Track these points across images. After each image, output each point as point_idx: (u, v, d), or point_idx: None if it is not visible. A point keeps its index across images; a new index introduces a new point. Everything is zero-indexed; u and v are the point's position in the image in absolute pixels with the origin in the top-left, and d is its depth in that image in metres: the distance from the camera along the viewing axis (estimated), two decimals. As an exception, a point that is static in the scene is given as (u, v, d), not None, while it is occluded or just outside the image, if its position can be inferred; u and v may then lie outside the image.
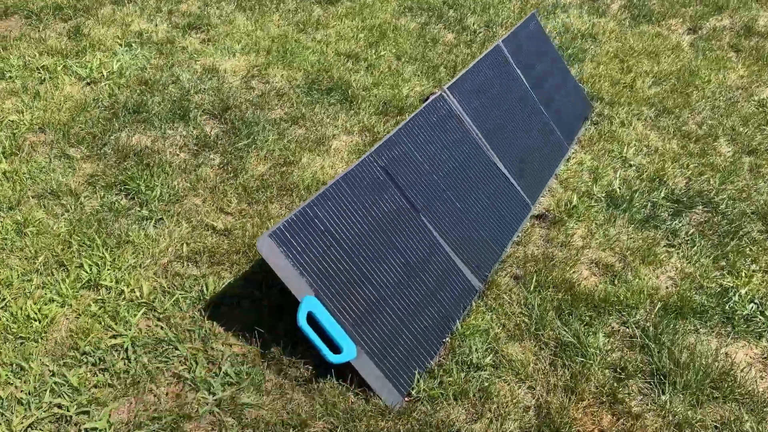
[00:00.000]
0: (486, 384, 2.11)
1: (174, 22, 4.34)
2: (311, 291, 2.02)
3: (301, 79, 3.78)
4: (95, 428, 1.88)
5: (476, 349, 2.23)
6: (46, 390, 1.96)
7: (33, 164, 2.89)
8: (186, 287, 2.37)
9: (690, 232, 2.91)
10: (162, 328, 2.22)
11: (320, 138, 3.27)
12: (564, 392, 2.11)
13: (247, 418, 1.96)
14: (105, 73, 3.65)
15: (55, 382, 1.98)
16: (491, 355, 2.23)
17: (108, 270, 2.39)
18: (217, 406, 1.99)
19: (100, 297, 2.30)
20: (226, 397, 2.01)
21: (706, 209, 3.08)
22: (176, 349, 2.15)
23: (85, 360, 2.07)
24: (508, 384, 2.15)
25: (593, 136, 3.56)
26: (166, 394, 2.02)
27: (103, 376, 2.04)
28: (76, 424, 1.89)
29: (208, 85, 3.61)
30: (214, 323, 2.26)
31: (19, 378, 2.01)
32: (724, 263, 2.75)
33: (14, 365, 2.04)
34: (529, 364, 2.21)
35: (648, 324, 2.39)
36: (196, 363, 2.11)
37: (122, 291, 2.32)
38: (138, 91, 3.50)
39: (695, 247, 2.81)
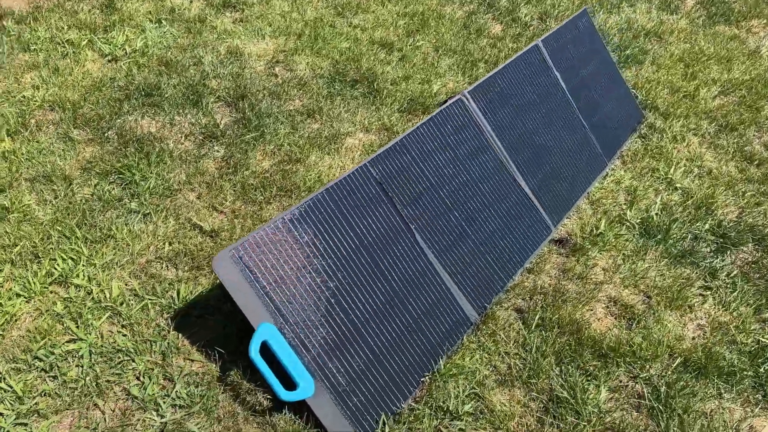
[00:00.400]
0: (458, 438, 1.89)
1: (209, -1, 4.20)
2: (269, 318, 1.83)
3: (327, 68, 3.57)
4: (29, 443, 1.77)
5: (456, 394, 2.00)
6: (-14, 396, 1.87)
7: (34, 144, 2.82)
8: (158, 292, 2.23)
9: (732, 274, 2.55)
10: (124, 335, 2.09)
11: (334, 135, 3.06)
12: (546, 458, 1.86)
13: (189, 449, 1.81)
14: (128, 51, 3.56)
15: (-2, 388, 1.89)
16: (472, 402, 1.99)
17: (82, 266, 2.29)
18: (161, 431, 1.85)
19: (68, 296, 2.20)
20: (173, 421, 1.87)
21: (756, 248, 2.70)
22: (133, 361, 2.02)
23: (36, 365, 1.97)
24: (484, 440, 1.91)
25: (638, 151, 3.19)
26: (113, 410, 1.90)
27: (51, 384, 1.93)
28: (8, 438, 1.79)
29: (228, 69, 3.45)
30: (179, 335, 2.12)
31: (-33, 378, 1.93)
32: (767, 315, 2.39)
33: (-34, 363, 1.96)
34: (514, 417, 1.96)
35: (661, 382, 2.08)
36: (150, 379, 1.97)
37: (91, 291, 2.21)
38: (156, 71, 3.38)
39: (735, 292, 2.46)
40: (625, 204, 2.87)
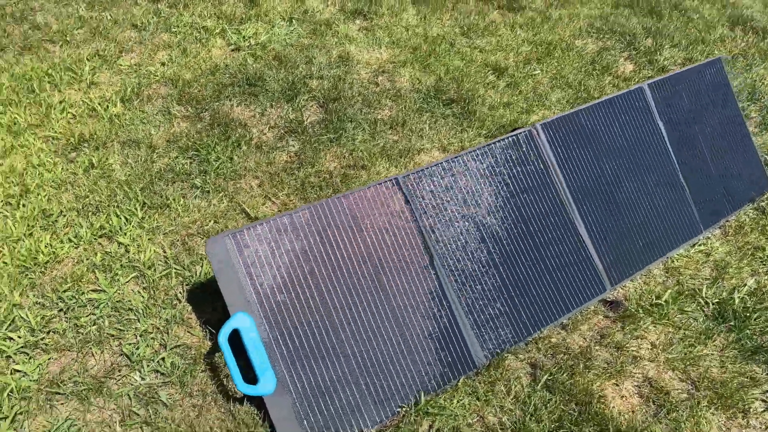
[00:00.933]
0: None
1: (345, 5, 4.35)
2: (247, 308, 1.84)
3: (428, 84, 3.53)
4: (24, 372, 1.95)
5: (426, 435, 1.86)
6: (5, 322, 2.08)
7: (138, 113, 3.11)
8: (185, 264, 2.35)
9: (816, 388, 2.11)
10: (141, 297, 2.23)
11: (409, 148, 3.02)
12: None
13: (151, 415, 1.88)
14: (252, 43, 3.80)
15: (19, 316, 2.10)
16: (441, 449, 1.85)
17: (131, 227, 2.48)
18: (134, 393, 1.94)
19: (109, 250, 2.39)
20: (148, 385, 1.95)
21: None
22: (138, 321, 2.14)
23: (58, 305, 2.16)
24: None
25: (746, 224, 2.77)
26: (104, 362, 2.03)
27: (64, 324, 2.11)
28: (8, 359, 1.98)
29: (333, 72, 3.55)
30: (189, 308, 2.21)
31: None
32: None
33: None
34: (480, 477, 1.79)
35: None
36: (145, 342, 2.07)
37: (129, 250, 2.38)
38: (268, 65, 3.57)
39: (812, 410, 2.04)
40: (708, 279, 2.50)
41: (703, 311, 2.37)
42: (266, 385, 1.80)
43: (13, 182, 2.64)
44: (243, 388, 1.77)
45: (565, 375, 2.05)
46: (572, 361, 2.11)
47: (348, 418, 1.87)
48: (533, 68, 3.79)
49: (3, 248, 2.33)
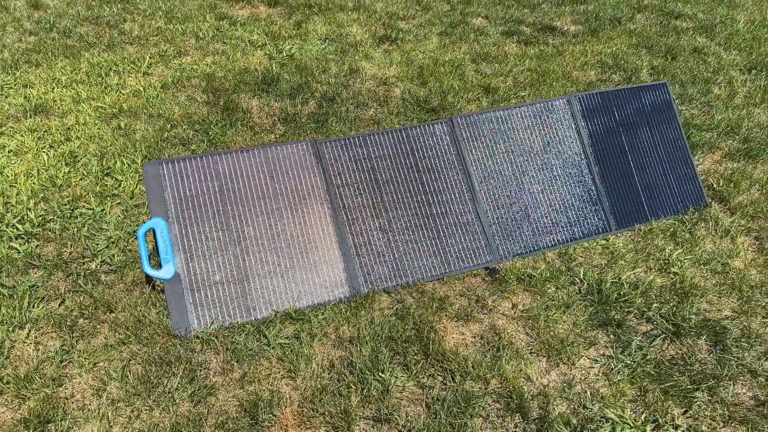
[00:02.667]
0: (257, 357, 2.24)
1: (376, 31, 5.00)
2: (165, 216, 2.45)
3: (417, 95, 4.04)
4: (16, 248, 2.66)
5: (276, 333, 2.34)
6: (17, 217, 2.83)
7: (170, 96, 3.89)
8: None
9: (648, 356, 2.34)
10: (118, 216, 2.90)
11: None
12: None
13: (91, 288, 2.50)
14: (284, 54, 4.53)
15: (27, 216, 2.85)
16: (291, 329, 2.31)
17: (130, 171, 3.19)
18: (85, 273, 2.58)
19: (107, 183, 3.11)
20: (97, 271, 2.59)
21: (708, 344, 2.40)
22: (108, 231, 2.81)
23: (56, 212, 2.89)
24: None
25: (656, 229, 2.99)
26: (75, 251, 2.70)
27: (56, 225, 2.82)
28: (9, 239, 2.71)
29: (340, 80, 4.17)
30: (148, 228, 2.84)
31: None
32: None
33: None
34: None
35: (444, 395, 2.11)
36: (107, 245, 2.73)
37: (121, 184, 3.09)
38: (288, 72, 4.26)
39: (631, 370, 2.27)
40: (596, 267, 2.77)
41: (579, 289, 2.65)
42: (167, 271, 2.37)
43: (60, 133, 3.47)
44: (148, 270, 2.35)
45: (418, 311, 2.44)
46: (432, 303, 2.49)
47: (228, 311, 2.39)
48: (521, 89, 4.18)
49: (35, 172, 3.12)
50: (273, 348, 2.28)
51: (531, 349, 2.34)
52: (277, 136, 3.56)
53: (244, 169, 2.56)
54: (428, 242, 2.69)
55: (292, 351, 2.27)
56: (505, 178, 2.89)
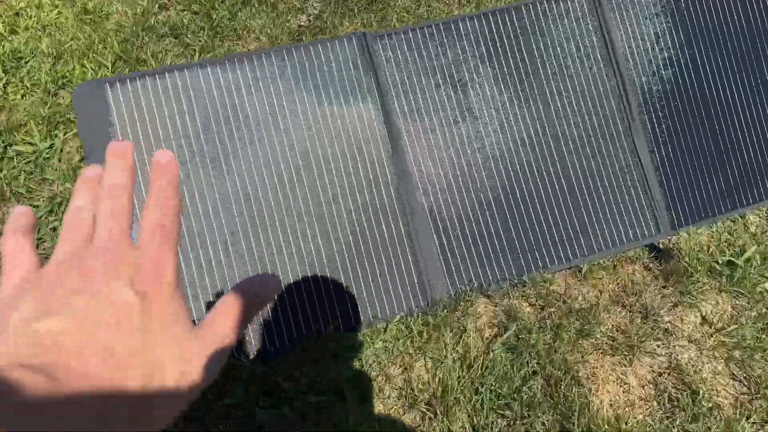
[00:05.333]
0: None
1: None
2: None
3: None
4: None
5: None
6: None
7: None
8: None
9: None
10: (73, 158, 1.93)
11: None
12: None
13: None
14: None
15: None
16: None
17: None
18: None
19: (60, 103, 2.11)
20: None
21: None
22: (54, 185, 1.86)
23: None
24: None
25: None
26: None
27: None
28: None
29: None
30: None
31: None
32: None
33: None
34: None
35: None
36: (51, 204, 1.79)
37: None
38: None
39: None
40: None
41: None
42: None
43: (5, 21, 2.43)
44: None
45: (545, 338, 1.45)
46: (568, 320, 1.49)
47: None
48: None
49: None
50: None
51: (747, 414, 1.34)
52: (309, 18, 2.42)
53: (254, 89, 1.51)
54: (557, 205, 1.63)
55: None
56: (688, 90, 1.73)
